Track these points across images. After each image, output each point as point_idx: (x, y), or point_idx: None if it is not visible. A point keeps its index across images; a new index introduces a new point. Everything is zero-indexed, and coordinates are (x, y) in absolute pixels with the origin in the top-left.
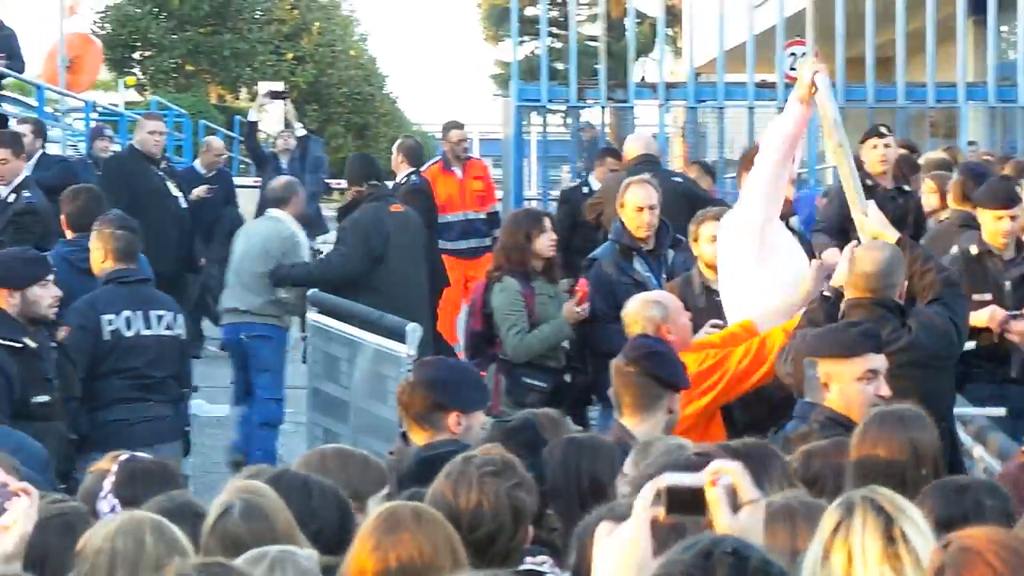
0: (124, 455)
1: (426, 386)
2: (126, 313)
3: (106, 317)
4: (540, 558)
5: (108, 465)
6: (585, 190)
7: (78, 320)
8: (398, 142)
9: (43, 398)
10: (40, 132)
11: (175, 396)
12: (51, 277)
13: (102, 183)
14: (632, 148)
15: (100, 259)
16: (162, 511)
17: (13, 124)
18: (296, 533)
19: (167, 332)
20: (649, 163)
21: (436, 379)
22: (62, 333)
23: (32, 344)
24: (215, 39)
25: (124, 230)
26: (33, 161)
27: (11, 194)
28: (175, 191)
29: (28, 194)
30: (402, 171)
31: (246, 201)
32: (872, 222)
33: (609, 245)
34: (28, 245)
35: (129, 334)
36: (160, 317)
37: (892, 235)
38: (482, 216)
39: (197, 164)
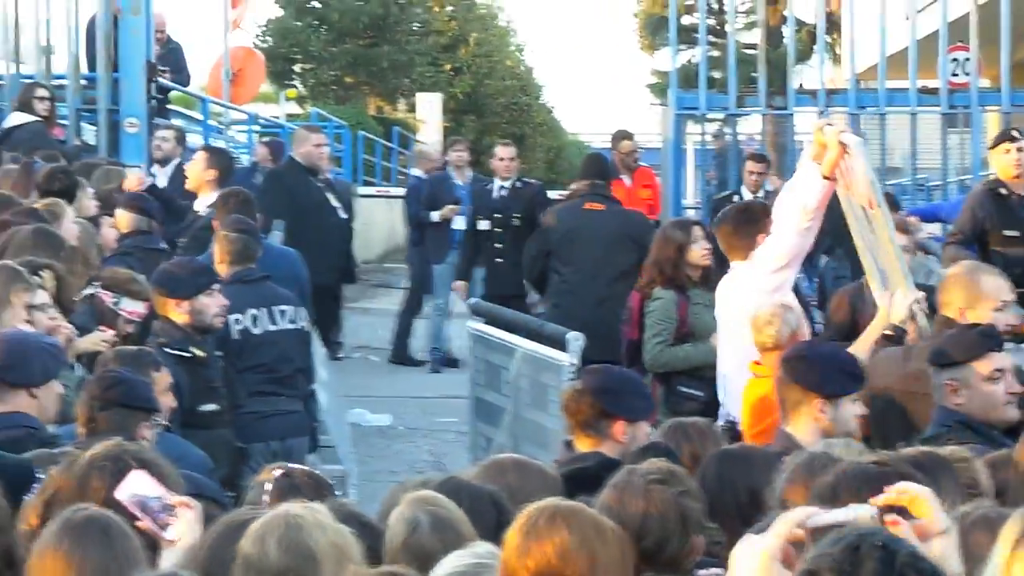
0: (279, 469)
1: (593, 393)
2: (252, 311)
3: (234, 317)
4: (713, 571)
5: (268, 476)
6: (736, 199)
7: None
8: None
9: (210, 407)
10: (182, 140)
11: (304, 392)
12: (217, 286)
13: (260, 197)
14: None
15: (219, 262)
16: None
17: (158, 131)
18: (478, 541)
19: (291, 326)
20: None
21: (603, 387)
22: None
23: (200, 353)
24: (374, 51)
25: (239, 232)
26: (171, 168)
27: (206, 208)
28: (335, 202)
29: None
30: None
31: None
32: (897, 311)
33: None
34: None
35: (257, 331)
36: (284, 312)
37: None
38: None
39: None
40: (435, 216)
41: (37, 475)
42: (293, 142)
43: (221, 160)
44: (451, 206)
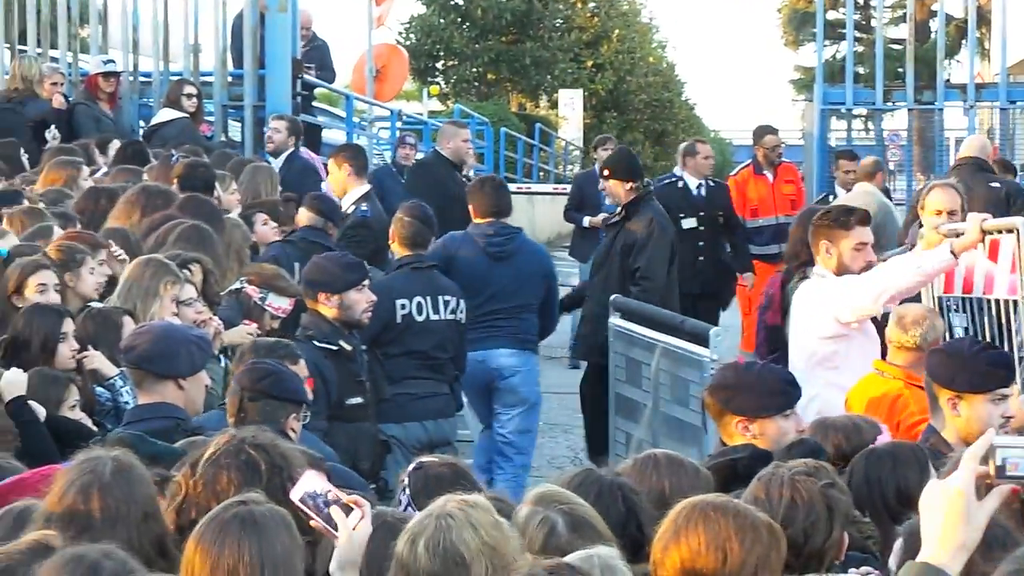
0: (415, 463)
1: (711, 391)
2: (418, 299)
3: (400, 301)
4: (864, 569)
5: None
6: (831, 199)
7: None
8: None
9: (356, 400)
10: (294, 131)
11: (451, 377)
12: (367, 282)
13: (408, 189)
14: (965, 148)
15: (391, 242)
16: None
17: (271, 122)
18: (611, 538)
19: (451, 317)
20: (972, 166)
21: (719, 384)
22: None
23: (347, 347)
24: (516, 48)
25: (415, 219)
26: (282, 159)
27: (351, 206)
28: None
29: (365, 207)
30: None
31: (548, 209)
32: None
33: (901, 248)
34: (361, 258)
35: (420, 319)
36: (447, 302)
37: None
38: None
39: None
40: (586, 222)
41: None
42: (440, 136)
43: (352, 154)
44: (600, 217)
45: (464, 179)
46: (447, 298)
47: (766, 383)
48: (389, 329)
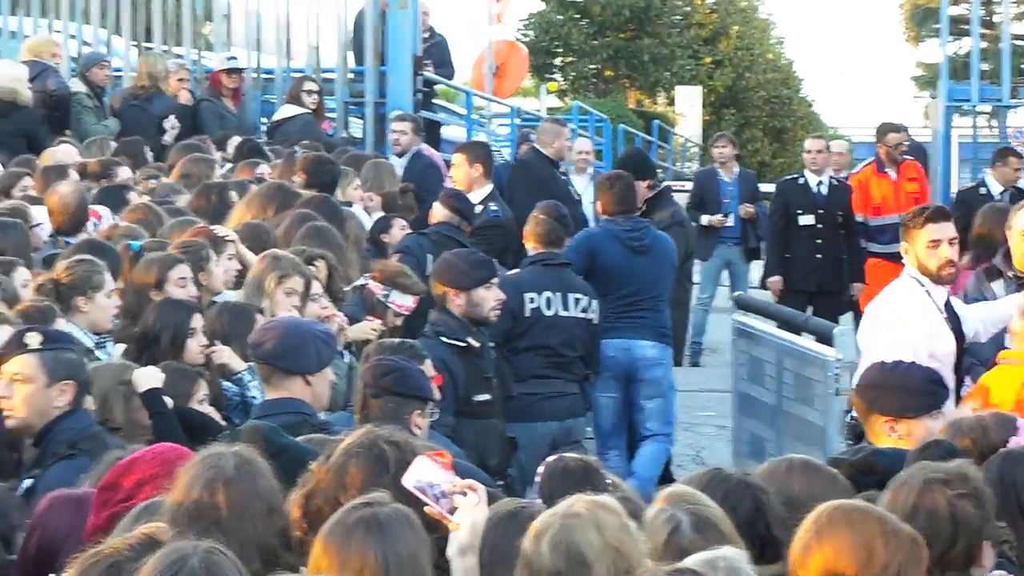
0: (554, 456)
1: (858, 390)
2: (547, 294)
3: (528, 295)
4: (998, 573)
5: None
6: (983, 191)
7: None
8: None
9: (484, 396)
10: (419, 130)
11: (581, 376)
12: (496, 280)
13: (510, 188)
14: None
15: (525, 240)
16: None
17: (392, 121)
18: (737, 539)
19: (582, 315)
20: None
21: (865, 383)
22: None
23: (475, 344)
24: (635, 44)
25: (550, 217)
26: (406, 158)
27: (479, 205)
28: (577, 195)
29: (495, 207)
30: None
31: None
32: None
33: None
34: (492, 257)
35: (548, 313)
36: (577, 300)
37: None
38: None
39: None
40: (704, 221)
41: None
42: (541, 135)
43: (480, 152)
44: (719, 217)
45: (563, 175)
46: (578, 296)
47: (912, 383)
48: (517, 323)
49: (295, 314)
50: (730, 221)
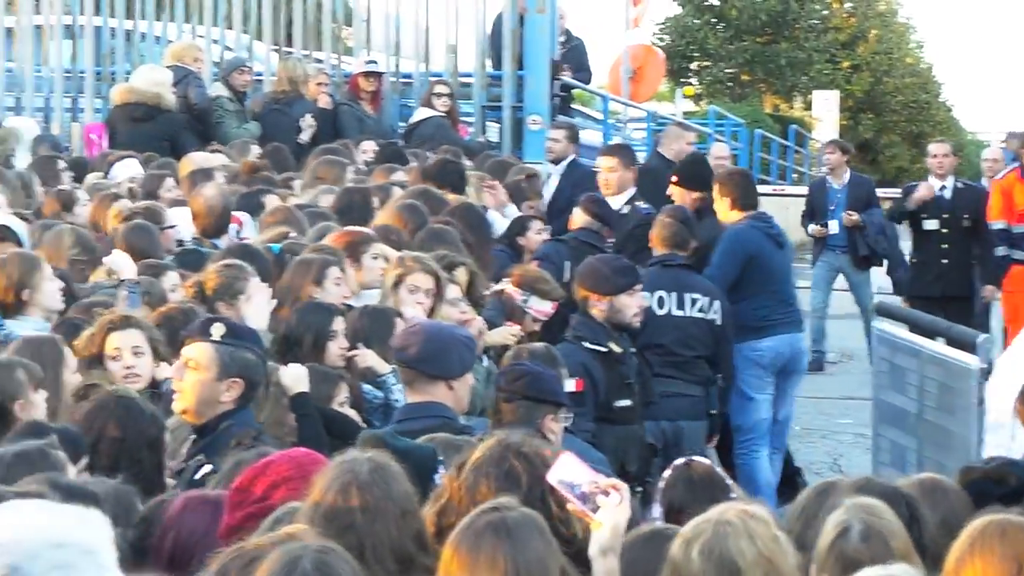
0: (680, 460)
1: (1021, 397)
2: (660, 293)
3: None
4: None
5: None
6: None
7: None
8: None
9: (624, 402)
10: (574, 138)
11: (704, 378)
12: (639, 287)
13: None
14: None
15: (653, 243)
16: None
17: (550, 131)
18: (912, 554)
19: (699, 315)
20: None
21: None
22: None
23: (616, 349)
24: (771, 48)
25: (675, 220)
26: (563, 166)
27: (625, 206)
28: None
29: (644, 205)
30: None
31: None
32: None
33: None
34: (647, 256)
35: (660, 313)
36: (695, 301)
37: None
38: None
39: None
40: (810, 230)
41: (440, 462)
42: (664, 139)
43: (631, 155)
44: (818, 227)
45: None
46: (695, 296)
47: None
48: None
49: (420, 312)
50: (833, 228)
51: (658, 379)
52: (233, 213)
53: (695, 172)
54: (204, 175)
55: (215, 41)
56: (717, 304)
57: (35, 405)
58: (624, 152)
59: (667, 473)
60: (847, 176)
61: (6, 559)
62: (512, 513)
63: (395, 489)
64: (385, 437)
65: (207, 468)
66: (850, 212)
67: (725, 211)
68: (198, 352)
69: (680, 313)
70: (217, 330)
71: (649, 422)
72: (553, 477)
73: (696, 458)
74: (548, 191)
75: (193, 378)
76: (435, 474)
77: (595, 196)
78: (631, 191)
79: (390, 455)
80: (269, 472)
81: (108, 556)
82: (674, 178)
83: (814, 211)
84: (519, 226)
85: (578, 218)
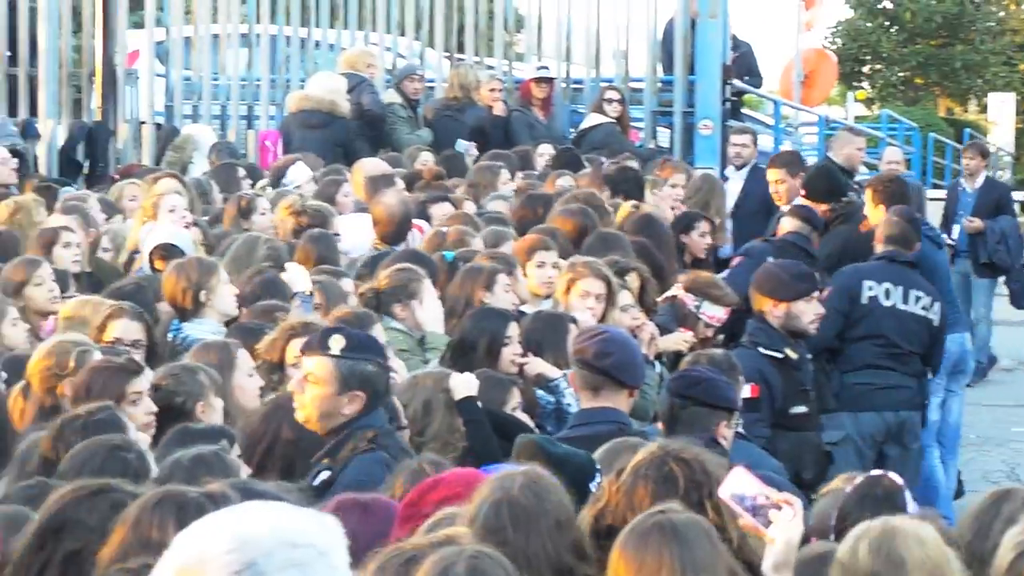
0: (876, 472)
1: None
2: (887, 285)
3: (867, 283)
4: None
5: (840, 484)
6: None
7: (841, 280)
8: None
9: (800, 408)
10: (755, 143)
11: (918, 371)
12: (816, 294)
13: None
14: None
15: (877, 241)
16: None
17: (735, 137)
18: None
19: (922, 313)
20: None
21: None
22: (825, 292)
23: (792, 355)
24: (946, 51)
25: (902, 219)
26: (745, 171)
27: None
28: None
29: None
30: None
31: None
32: None
33: None
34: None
35: (886, 304)
36: (919, 298)
37: None
38: None
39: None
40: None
41: (598, 469)
42: (834, 143)
43: (794, 165)
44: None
45: (856, 185)
46: (918, 293)
47: None
48: (854, 310)
49: (591, 317)
50: (956, 233)
51: (877, 370)
52: (413, 221)
53: (822, 184)
54: (385, 181)
55: (388, 48)
56: (937, 306)
57: (214, 409)
58: (788, 162)
59: (857, 480)
60: (981, 180)
61: (243, 556)
62: (680, 515)
63: (550, 502)
64: (542, 443)
65: (325, 474)
66: (971, 218)
67: (877, 216)
68: (316, 367)
69: (904, 307)
70: (336, 343)
71: (870, 413)
72: (725, 491)
73: (890, 474)
74: (730, 196)
75: (313, 392)
76: (592, 481)
77: (802, 204)
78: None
79: (546, 462)
80: (440, 488)
81: (340, 558)
82: (802, 191)
83: (946, 215)
84: (684, 224)
85: (787, 223)
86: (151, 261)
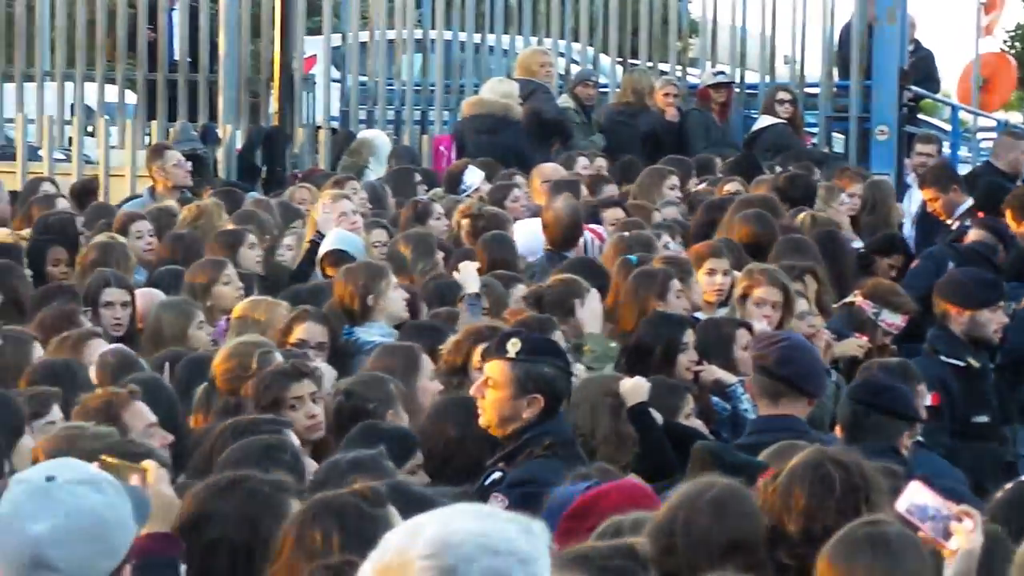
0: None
1: None
2: None
3: None
4: None
5: None
6: None
7: None
8: None
9: (982, 418)
10: (938, 151)
11: None
12: (1002, 304)
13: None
14: None
15: None
16: None
17: (919, 146)
18: None
19: None
20: None
21: None
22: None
23: (975, 364)
24: None
25: None
26: None
27: (954, 222)
28: None
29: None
30: None
31: None
32: None
33: None
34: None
35: None
36: None
37: None
38: None
39: None
40: None
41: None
42: (998, 147)
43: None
44: None
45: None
46: None
47: None
48: None
49: (766, 325)
50: None
51: None
52: (589, 226)
53: (992, 201)
54: (562, 186)
55: (561, 54)
56: None
57: (402, 419)
58: (937, 179)
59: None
60: None
61: (443, 561)
62: (891, 527)
63: (727, 523)
64: (718, 451)
65: (496, 475)
66: None
67: (1015, 226)
68: (494, 370)
69: None
70: (513, 346)
71: None
72: (902, 505)
73: None
74: (912, 204)
75: (492, 396)
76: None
77: (990, 218)
78: (965, 204)
79: (721, 471)
80: (602, 503)
81: (543, 566)
82: (977, 211)
83: None
84: (882, 247)
85: (974, 234)
86: (322, 267)
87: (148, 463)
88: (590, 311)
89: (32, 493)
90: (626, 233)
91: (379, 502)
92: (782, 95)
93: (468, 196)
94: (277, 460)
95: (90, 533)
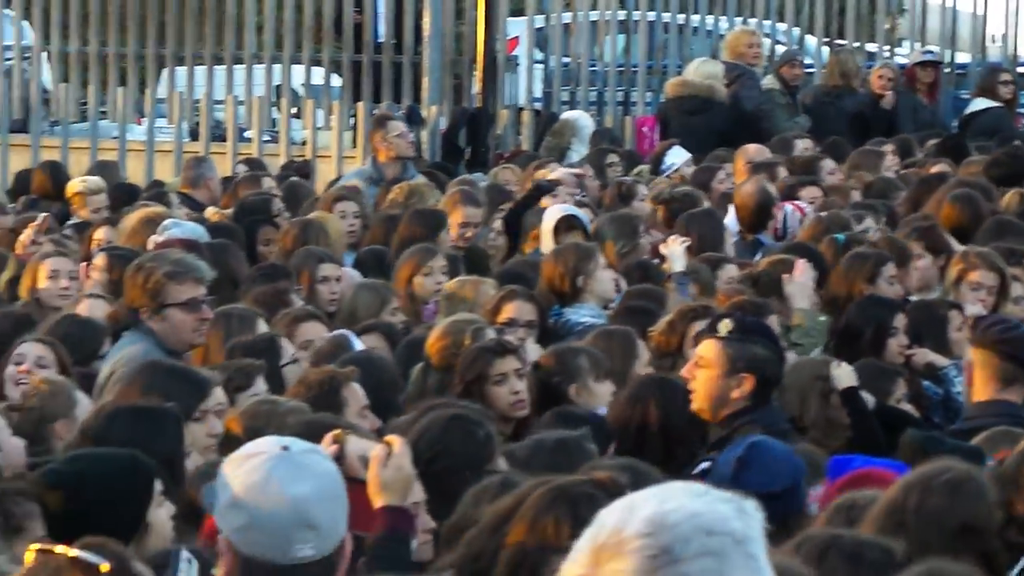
0: None
1: None
2: None
3: None
4: None
5: None
6: None
7: None
8: None
9: None
10: None
11: None
12: None
13: None
14: None
15: None
16: None
17: None
18: None
19: None
20: None
21: None
22: None
23: None
24: None
25: None
26: None
27: None
28: None
29: None
30: None
31: None
32: None
33: None
34: None
35: None
36: None
37: None
38: None
39: None
40: None
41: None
42: None
43: None
44: None
45: None
46: None
47: None
48: None
49: (981, 309)
50: None
51: None
52: (791, 203)
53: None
54: (765, 168)
55: (767, 34)
56: None
57: (592, 393)
58: None
59: None
60: None
61: (659, 540)
62: None
63: (960, 505)
64: (925, 442)
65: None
66: None
67: None
68: (706, 349)
69: None
70: (724, 327)
71: None
72: None
73: None
74: None
75: (703, 376)
76: None
77: None
78: None
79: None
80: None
81: (758, 547)
82: None
83: None
84: None
85: None
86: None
87: (393, 437)
88: (799, 286)
89: (279, 460)
90: (823, 213)
91: (619, 493)
92: (1004, 76)
93: (668, 177)
94: (469, 433)
95: (338, 494)
